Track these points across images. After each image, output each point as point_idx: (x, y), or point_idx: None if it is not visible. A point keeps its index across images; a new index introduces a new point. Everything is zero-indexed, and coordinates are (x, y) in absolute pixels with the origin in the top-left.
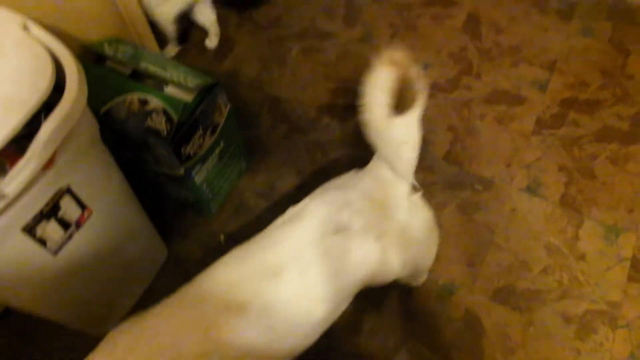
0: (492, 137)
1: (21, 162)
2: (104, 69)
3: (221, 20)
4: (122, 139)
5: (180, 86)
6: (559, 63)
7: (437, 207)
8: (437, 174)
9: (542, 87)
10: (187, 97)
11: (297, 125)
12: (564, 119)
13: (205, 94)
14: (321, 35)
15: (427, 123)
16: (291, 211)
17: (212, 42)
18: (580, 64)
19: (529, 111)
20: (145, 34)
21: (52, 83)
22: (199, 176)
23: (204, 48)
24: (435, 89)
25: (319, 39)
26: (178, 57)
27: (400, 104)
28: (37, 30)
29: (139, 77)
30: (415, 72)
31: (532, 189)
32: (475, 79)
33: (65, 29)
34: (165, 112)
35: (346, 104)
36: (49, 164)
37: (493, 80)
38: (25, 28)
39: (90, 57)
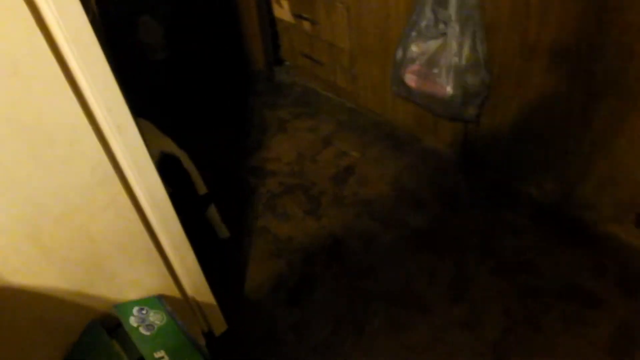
0: None
1: None
2: (108, 352)
3: (307, 259)
4: None
5: None
6: None
7: None
8: None
9: None
10: None
11: None
12: None
13: None
14: (413, 303)
15: None
16: None
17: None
18: None
19: None
20: (201, 286)
21: None
22: None
23: (277, 288)
24: None
25: (409, 309)
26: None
27: None
28: None
29: None
30: None
31: None
32: None
33: (94, 291)
34: None
35: None
36: None
37: None
38: None
39: (112, 323)
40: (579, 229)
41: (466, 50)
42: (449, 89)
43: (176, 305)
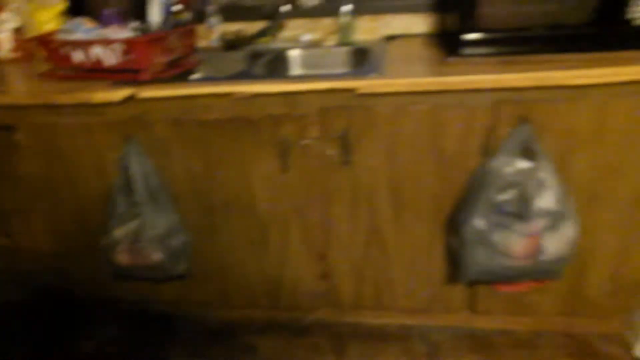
0: None
1: None
2: None
3: None
4: None
5: None
6: None
7: None
8: None
9: None
10: None
11: None
12: None
13: None
14: None
15: None
16: None
17: None
18: None
19: None
20: None
21: None
22: None
23: None
24: None
25: None
26: None
27: None
28: None
29: None
30: None
31: None
32: None
33: None
34: None
35: None
36: None
37: None
38: None
39: None
40: None
41: (162, 222)
42: (159, 255)
43: None
